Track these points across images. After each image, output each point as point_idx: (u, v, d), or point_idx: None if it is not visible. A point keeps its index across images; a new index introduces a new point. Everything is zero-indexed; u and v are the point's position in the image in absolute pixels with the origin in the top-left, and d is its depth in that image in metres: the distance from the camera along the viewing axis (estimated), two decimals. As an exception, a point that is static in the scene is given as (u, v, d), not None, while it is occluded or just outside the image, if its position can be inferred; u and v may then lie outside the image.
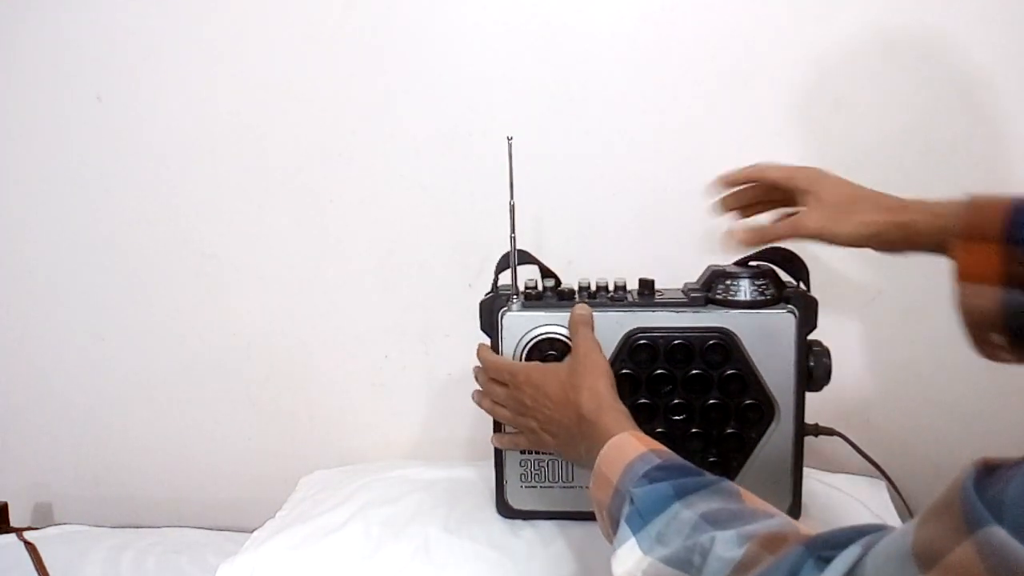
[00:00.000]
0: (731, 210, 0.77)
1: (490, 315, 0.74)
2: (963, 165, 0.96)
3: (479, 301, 0.76)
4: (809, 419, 0.74)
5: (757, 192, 0.76)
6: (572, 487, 0.77)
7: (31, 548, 0.94)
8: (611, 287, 0.76)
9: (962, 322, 0.61)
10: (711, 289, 0.73)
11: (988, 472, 0.33)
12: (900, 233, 0.66)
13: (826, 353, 0.73)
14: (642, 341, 0.72)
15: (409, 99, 1.00)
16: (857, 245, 0.68)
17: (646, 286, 0.75)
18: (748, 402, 0.72)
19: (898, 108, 0.95)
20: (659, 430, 0.74)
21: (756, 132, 0.97)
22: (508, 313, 0.74)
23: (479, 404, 0.75)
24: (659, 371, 0.72)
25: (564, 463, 0.76)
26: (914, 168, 0.96)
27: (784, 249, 0.75)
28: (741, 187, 0.76)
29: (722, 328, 0.71)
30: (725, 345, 0.71)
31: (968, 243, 0.60)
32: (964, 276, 0.60)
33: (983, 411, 1.00)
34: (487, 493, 0.83)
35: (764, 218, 0.77)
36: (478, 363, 0.75)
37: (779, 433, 0.73)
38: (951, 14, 0.92)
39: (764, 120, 0.97)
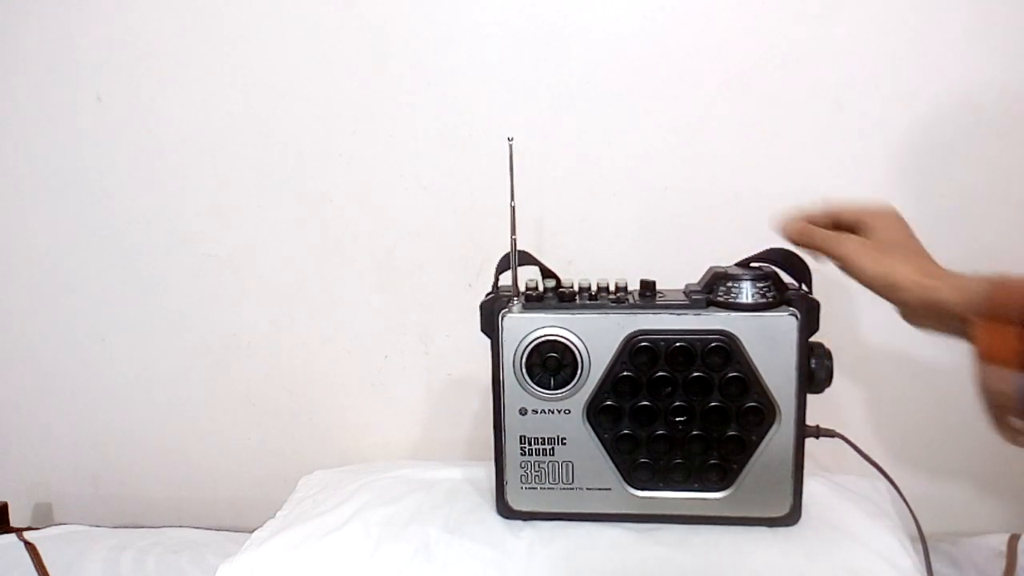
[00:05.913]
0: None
1: (490, 316, 0.74)
2: (963, 164, 0.96)
3: (479, 302, 0.76)
4: (810, 420, 0.74)
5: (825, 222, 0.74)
6: (572, 488, 0.77)
7: (31, 548, 0.94)
8: (612, 288, 0.75)
9: (983, 404, 0.59)
10: (712, 291, 0.73)
11: None
12: (921, 295, 0.64)
13: (828, 355, 0.73)
14: (643, 343, 0.72)
15: (409, 99, 1.00)
16: (875, 286, 0.67)
17: (647, 287, 0.74)
18: (749, 404, 0.72)
19: (900, 108, 0.95)
20: (660, 432, 0.74)
21: (756, 133, 0.97)
22: (508, 315, 0.73)
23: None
24: (660, 373, 0.72)
25: (564, 465, 0.76)
26: (914, 168, 0.96)
27: (786, 250, 0.75)
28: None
29: (723, 331, 0.71)
30: (726, 347, 0.71)
31: (990, 323, 0.57)
32: (985, 357, 0.58)
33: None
34: (487, 493, 0.83)
35: None
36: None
37: (780, 435, 0.73)
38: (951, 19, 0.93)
39: (764, 121, 0.97)
